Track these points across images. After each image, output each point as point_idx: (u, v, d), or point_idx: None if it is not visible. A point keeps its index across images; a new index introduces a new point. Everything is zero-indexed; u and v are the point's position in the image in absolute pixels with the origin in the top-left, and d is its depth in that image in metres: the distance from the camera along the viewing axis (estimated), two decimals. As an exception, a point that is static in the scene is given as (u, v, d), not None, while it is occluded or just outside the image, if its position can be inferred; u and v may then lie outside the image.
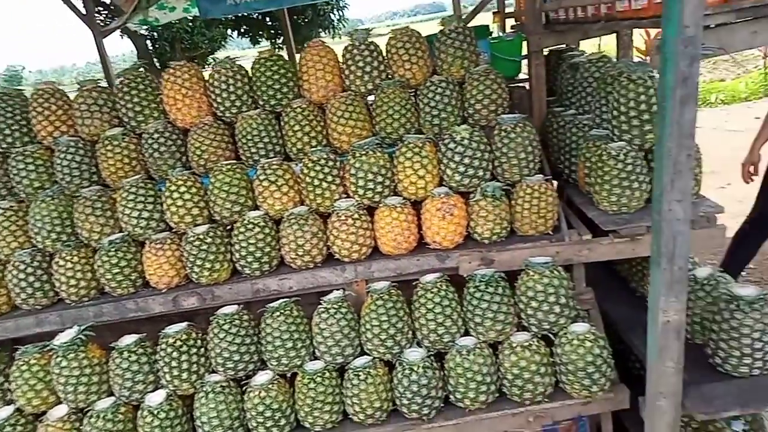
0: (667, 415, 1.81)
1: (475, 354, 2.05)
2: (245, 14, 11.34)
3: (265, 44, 12.66)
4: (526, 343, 2.05)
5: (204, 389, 2.09)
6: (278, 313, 2.13)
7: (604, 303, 2.46)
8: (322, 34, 12.21)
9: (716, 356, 1.99)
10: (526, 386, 2.04)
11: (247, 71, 2.45)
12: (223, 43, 12.49)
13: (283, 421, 2.08)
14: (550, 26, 2.67)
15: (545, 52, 3.14)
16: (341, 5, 12.27)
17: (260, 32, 12.46)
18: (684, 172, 1.55)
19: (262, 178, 2.24)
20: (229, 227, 2.31)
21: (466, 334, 2.16)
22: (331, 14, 12.45)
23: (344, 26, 12.78)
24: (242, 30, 12.60)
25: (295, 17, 11.96)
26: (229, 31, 12.92)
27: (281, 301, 2.15)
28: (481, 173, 2.23)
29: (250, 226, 2.19)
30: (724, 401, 1.88)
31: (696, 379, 1.96)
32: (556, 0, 2.42)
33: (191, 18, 10.09)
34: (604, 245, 2.13)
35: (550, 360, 2.07)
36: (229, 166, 2.25)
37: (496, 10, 4.09)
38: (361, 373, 2.07)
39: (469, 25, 4.07)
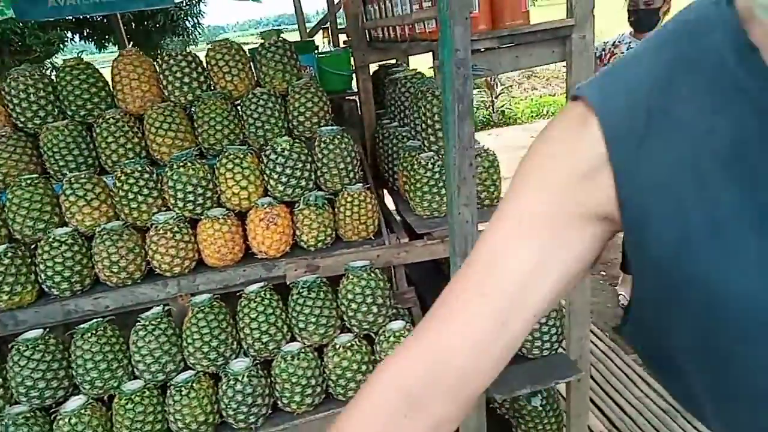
0: (472, 399, 2.00)
1: (300, 358, 2.10)
2: (88, 17, 10.50)
3: (112, 49, 11.80)
4: (348, 344, 2.14)
5: (2, 423, 1.92)
6: (89, 334, 2.01)
7: (432, 300, 2.66)
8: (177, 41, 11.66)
9: (515, 342, 2.24)
10: (350, 385, 2.13)
11: (51, 79, 2.28)
12: (61, 46, 11.38)
13: (99, 448, 1.97)
14: (373, 44, 2.83)
15: (376, 66, 3.33)
16: (195, 12, 11.83)
17: (106, 36, 11.60)
18: (468, 180, 1.73)
19: (68, 192, 2.10)
20: (33, 246, 2.14)
21: (293, 340, 2.21)
22: (186, 21, 11.96)
23: (200, 33, 12.32)
24: (85, 33, 11.66)
25: (145, 23, 11.31)
26: (70, 34, 11.86)
27: (93, 321, 2.04)
28: (303, 183, 2.29)
29: (56, 244, 2.05)
30: (519, 381, 2.10)
31: (499, 363, 2.18)
32: (374, 20, 2.57)
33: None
34: (418, 247, 2.30)
35: (372, 358, 2.19)
36: (29, 181, 2.08)
37: (326, 26, 4.21)
38: (183, 389, 2.03)
39: (312, 38, 4.18)
